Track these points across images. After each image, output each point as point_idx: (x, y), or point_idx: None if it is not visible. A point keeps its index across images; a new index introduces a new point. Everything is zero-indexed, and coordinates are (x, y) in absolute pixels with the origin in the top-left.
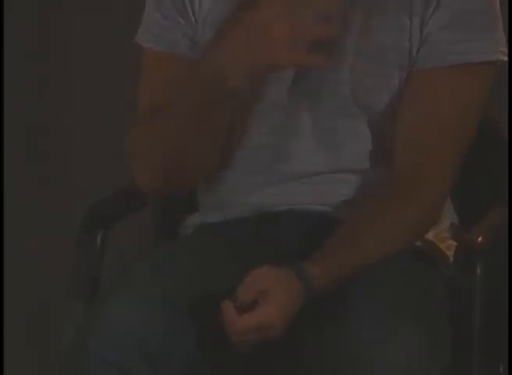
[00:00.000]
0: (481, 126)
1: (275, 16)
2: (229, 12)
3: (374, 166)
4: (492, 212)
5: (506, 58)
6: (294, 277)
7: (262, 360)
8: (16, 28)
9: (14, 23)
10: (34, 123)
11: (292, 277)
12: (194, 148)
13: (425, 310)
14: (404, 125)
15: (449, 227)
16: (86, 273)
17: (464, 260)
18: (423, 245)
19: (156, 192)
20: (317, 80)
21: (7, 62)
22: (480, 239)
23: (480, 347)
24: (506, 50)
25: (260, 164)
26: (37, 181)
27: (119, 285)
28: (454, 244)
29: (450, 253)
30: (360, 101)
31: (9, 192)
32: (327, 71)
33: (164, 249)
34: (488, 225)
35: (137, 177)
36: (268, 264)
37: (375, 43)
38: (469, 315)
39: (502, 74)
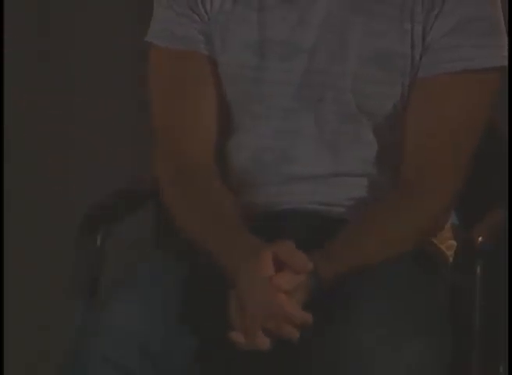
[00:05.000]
0: None
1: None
2: (235, 14)
3: (377, 170)
4: (492, 212)
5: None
6: (308, 282)
7: (263, 360)
8: (16, 28)
9: (14, 23)
10: (34, 123)
11: (306, 283)
12: None
13: (425, 310)
14: (410, 131)
15: (450, 227)
16: (86, 273)
17: (463, 260)
18: (423, 245)
19: None
20: (320, 85)
21: (7, 63)
22: (480, 239)
23: (480, 347)
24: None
25: (262, 166)
26: (37, 181)
27: (119, 285)
28: (454, 244)
29: (450, 253)
30: (363, 108)
31: (10, 192)
32: (330, 78)
33: (164, 249)
34: (488, 225)
35: None
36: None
37: (378, 50)
38: (469, 315)
39: (502, 74)
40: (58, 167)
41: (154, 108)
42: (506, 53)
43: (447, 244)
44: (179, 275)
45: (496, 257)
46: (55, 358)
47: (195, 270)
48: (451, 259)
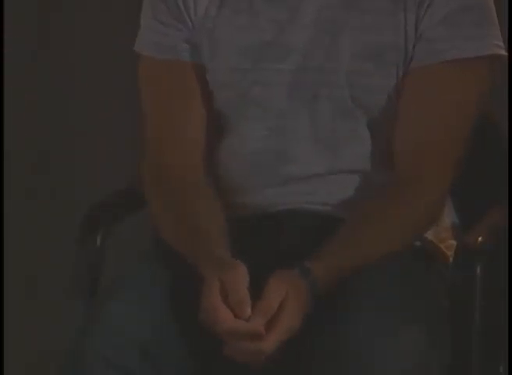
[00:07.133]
0: (481, 125)
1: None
2: (222, 18)
3: (374, 166)
4: (492, 212)
5: (502, 52)
6: (302, 282)
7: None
8: (16, 28)
9: (14, 23)
10: (35, 124)
11: (300, 283)
12: None
13: (425, 310)
14: (402, 123)
15: (450, 227)
16: (86, 273)
17: (463, 260)
18: (423, 245)
19: None
20: (315, 83)
21: (7, 63)
22: (480, 239)
23: (480, 347)
24: (501, 43)
25: (260, 167)
26: (37, 181)
27: (119, 285)
28: (454, 244)
29: (450, 253)
30: (359, 102)
31: (9, 192)
32: (324, 75)
33: (164, 249)
34: (488, 225)
35: None
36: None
37: (372, 43)
38: (469, 315)
39: (502, 73)
40: (58, 167)
41: (144, 118)
42: (498, 42)
43: (447, 244)
44: (179, 275)
45: (496, 257)
46: (55, 358)
47: (195, 270)
48: (451, 259)
